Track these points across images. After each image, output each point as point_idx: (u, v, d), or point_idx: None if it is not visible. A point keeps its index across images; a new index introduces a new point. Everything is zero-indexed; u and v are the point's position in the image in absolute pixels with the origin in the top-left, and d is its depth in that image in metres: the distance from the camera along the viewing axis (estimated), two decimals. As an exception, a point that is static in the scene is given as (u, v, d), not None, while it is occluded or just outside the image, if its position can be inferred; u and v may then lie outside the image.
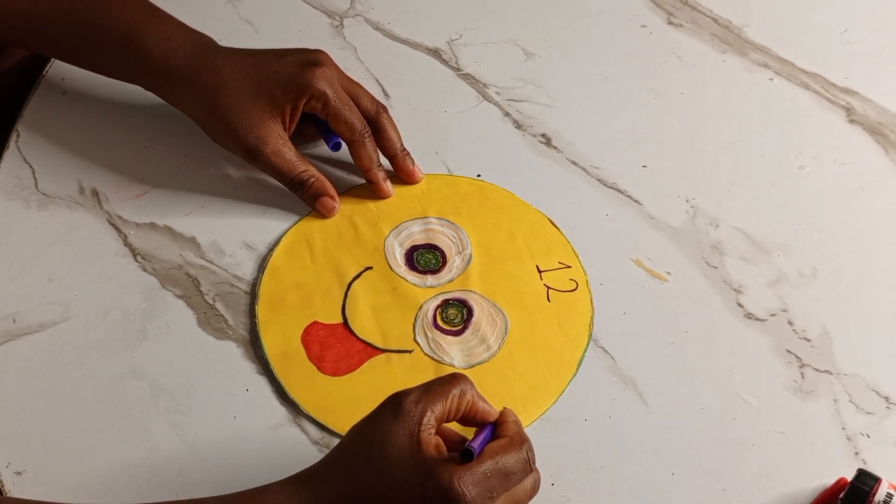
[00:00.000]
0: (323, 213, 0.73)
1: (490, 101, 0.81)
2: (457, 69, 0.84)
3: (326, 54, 0.73)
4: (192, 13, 0.75)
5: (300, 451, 0.62)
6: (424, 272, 0.70)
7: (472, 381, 0.56)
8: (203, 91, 0.71)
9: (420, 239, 0.72)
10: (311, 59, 0.72)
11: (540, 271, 0.70)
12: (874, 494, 0.57)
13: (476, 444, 0.53)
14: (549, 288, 0.70)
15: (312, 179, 0.72)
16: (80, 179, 0.75)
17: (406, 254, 0.71)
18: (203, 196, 0.74)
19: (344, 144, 0.73)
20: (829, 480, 0.60)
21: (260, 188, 0.74)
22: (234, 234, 0.72)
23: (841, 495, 0.58)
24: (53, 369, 0.65)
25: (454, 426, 0.58)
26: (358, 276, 0.70)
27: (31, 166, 0.75)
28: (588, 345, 0.67)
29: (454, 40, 0.86)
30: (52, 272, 0.69)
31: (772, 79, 0.83)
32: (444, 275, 0.70)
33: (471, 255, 0.71)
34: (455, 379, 0.56)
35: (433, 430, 0.54)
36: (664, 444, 0.62)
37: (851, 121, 0.80)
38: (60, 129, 0.78)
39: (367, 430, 0.54)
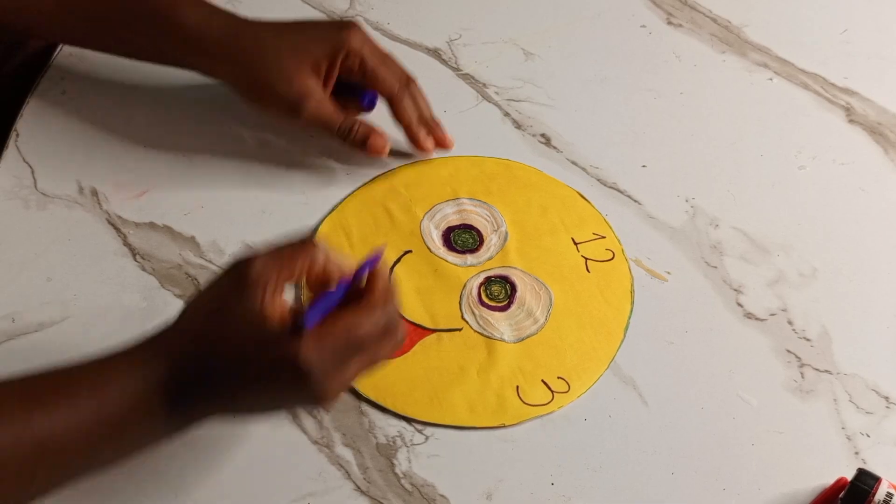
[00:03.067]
0: (376, 152, 0.73)
1: (490, 101, 0.81)
2: (456, 69, 0.84)
3: (358, 23, 0.73)
4: (191, 13, 0.75)
5: (299, 450, 0.62)
6: (463, 252, 0.71)
7: (324, 248, 0.54)
8: (243, 55, 0.72)
9: (455, 220, 0.73)
10: (346, 23, 0.73)
11: (576, 243, 0.71)
12: (874, 494, 0.56)
13: (311, 313, 0.51)
14: (586, 259, 0.70)
15: (358, 125, 0.73)
16: (79, 179, 0.75)
17: (443, 235, 0.72)
18: (202, 196, 0.74)
19: (377, 110, 0.74)
20: (829, 480, 0.60)
21: (259, 188, 0.74)
22: (233, 233, 0.72)
23: (841, 495, 0.58)
24: (52, 369, 0.65)
25: None
26: (398, 261, 0.70)
27: (30, 166, 0.75)
28: (632, 311, 0.68)
29: (454, 40, 0.86)
30: (52, 272, 0.69)
31: (771, 79, 0.83)
32: (483, 253, 0.71)
33: (506, 233, 0.72)
34: (305, 248, 0.53)
35: (279, 298, 0.52)
36: (664, 443, 0.62)
37: (851, 121, 0.80)
38: (60, 128, 0.78)
39: (211, 301, 0.53)
